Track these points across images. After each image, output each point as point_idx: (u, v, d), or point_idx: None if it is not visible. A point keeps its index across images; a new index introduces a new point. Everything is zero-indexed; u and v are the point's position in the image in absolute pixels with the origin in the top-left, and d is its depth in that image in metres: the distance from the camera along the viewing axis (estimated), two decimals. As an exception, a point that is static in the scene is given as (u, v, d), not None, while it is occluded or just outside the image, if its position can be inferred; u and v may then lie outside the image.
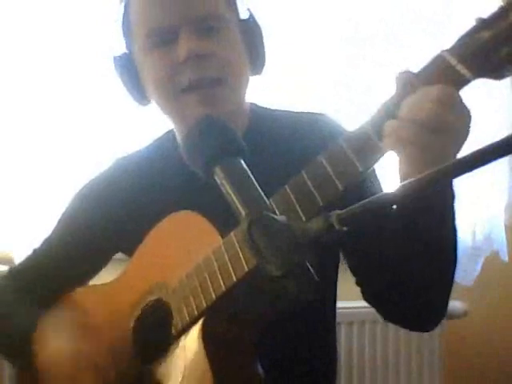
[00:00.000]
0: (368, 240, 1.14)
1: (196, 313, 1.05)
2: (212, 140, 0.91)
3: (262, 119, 1.31)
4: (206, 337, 1.05)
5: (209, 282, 1.02)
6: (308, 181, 0.92)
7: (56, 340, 1.20)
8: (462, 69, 0.81)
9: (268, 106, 1.38)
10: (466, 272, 2.48)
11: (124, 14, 1.27)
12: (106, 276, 1.38)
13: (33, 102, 2.27)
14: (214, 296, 1.02)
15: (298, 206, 0.93)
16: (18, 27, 2.25)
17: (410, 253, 1.07)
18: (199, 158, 0.91)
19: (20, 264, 1.47)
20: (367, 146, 0.86)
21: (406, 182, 0.71)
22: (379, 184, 1.27)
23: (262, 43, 1.27)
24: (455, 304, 2.49)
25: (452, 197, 1.01)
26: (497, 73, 0.81)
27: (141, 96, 1.29)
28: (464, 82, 0.82)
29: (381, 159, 0.88)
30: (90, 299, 1.31)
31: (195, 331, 1.06)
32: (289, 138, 1.25)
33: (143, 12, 1.22)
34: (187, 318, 1.07)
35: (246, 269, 0.96)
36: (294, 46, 2.37)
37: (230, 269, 0.98)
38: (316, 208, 0.91)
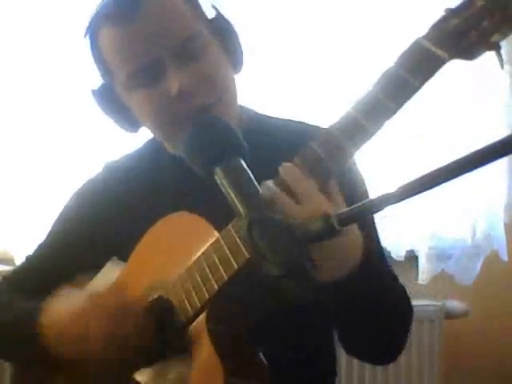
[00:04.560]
0: None
1: (199, 305, 1.06)
2: (212, 140, 0.91)
3: (260, 125, 1.31)
4: (211, 328, 1.05)
5: (210, 274, 1.03)
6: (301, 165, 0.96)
7: (65, 320, 1.15)
8: (437, 50, 0.90)
9: (265, 113, 1.37)
10: (466, 271, 2.48)
11: (93, 49, 1.22)
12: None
13: (32, 104, 2.27)
14: (216, 286, 1.02)
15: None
16: (18, 29, 2.25)
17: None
18: (199, 158, 0.92)
19: (15, 270, 1.47)
20: (355, 129, 0.94)
21: (405, 183, 0.71)
22: (366, 191, 1.30)
23: (237, 38, 1.24)
24: (455, 304, 2.49)
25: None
26: (469, 54, 0.90)
27: (130, 126, 1.28)
28: (440, 62, 0.90)
29: (369, 141, 0.95)
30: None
31: (200, 323, 1.07)
32: (283, 146, 1.24)
33: (120, 52, 1.17)
34: (190, 312, 1.07)
35: (247, 255, 0.96)
36: (295, 54, 2.38)
37: (230, 257, 0.98)
38: None
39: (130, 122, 1.27)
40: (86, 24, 1.22)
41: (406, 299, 1.20)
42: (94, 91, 1.27)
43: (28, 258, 1.44)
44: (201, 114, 1.16)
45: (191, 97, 1.16)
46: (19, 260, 2.16)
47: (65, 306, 1.17)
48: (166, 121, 1.20)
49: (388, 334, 1.15)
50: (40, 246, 1.42)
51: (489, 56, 0.90)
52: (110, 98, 1.25)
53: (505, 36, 0.86)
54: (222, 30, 1.22)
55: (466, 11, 0.88)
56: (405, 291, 1.20)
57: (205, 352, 1.05)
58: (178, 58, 1.15)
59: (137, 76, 1.17)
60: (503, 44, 0.89)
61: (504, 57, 0.89)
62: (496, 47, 0.87)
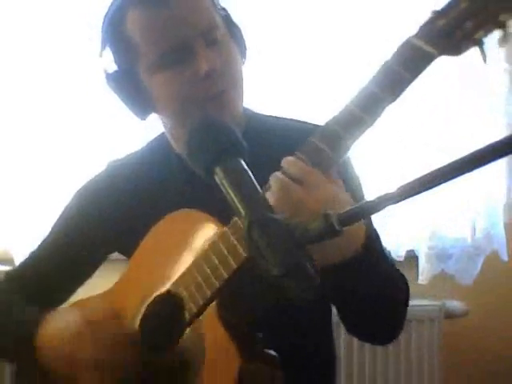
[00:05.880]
0: None
1: (209, 294, 1.07)
2: (212, 140, 0.92)
3: (258, 124, 1.33)
4: (223, 315, 1.08)
5: (218, 264, 1.05)
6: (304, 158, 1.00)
7: (60, 340, 1.21)
8: (428, 48, 0.97)
9: (263, 113, 1.39)
10: (466, 271, 2.48)
11: (117, 32, 1.26)
12: (104, 277, 1.38)
13: (32, 103, 2.27)
14: (225, 275, 1.04)
15: None
16: (18, 29, 2.25)
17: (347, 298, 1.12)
18: (200, 158, 0.93)
19: (16, 268, 1.48)
20: (353, 121, 1.00)
21: (405, 183, 0.71)
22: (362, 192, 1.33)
23: (242, 35, 1.32)
24: (455, 304, 2.49)
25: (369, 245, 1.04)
26: (455, 50, 0.96)
27: (142, 111, 1.30)
28: (430, 58, 0.97)
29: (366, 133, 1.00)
30: (93, 305, 1.32)
31: (211, 313, 1.09)
32: (281, 145, 1.26)
33: (152, 34, 1.23)
34: (200, 301, 1.09)
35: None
36: (297, 54, 2.39)
37: (238, 246, 1.01)
38: None
39: (143, 106, 1.29)
40: (111, 9, 1.27)
41: (404, 283, 1.24)
42: (109, 74, 1.29)
43: (29, 256, 1.45)
44: (217, 98, 1.23)
45: (214, 80, 1.22)
46: (19, 260, 2.17)
47: (60, 327, 1.22)
48: (185, 101, 1.24)
49: (387, 317, 1.18)
50: (42, 244, 1.43)
51: (489, 56, 0.94)
52: (127, 81, 1.28)
53: (488, 33, 0.93)
54: (232, 27, 1.30)
55: (451, 12, 0.95)
56: (403, 276, 1.24)
57: (217, 340, 1.08)
58: (205, 42, 1.23)
59: (167, 56, 1.22)
60: (503, 44, 0.93)
61: (504, 56, 0.92)
62: (479, 43, 0.93)
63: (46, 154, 2.29)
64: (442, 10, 0.96)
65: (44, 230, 1.45)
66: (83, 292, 1.44)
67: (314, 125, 1.31)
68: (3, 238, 2.30)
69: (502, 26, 0.91)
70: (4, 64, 2.26)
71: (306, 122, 1.36)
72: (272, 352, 1.10)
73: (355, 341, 2.42)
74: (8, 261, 2.22)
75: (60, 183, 2.23)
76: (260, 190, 0.88)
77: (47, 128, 2.29)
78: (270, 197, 0.98)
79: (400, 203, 0.76)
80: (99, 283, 1.38)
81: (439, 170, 0.70)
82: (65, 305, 1.40)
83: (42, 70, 2.27)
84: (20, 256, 2.19)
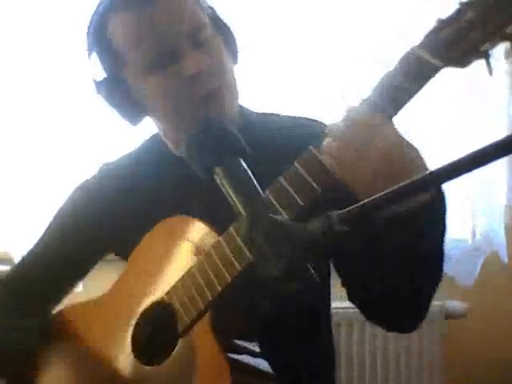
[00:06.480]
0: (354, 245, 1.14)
1: (202, 306, 1.07)
2: (212, 141, 0.92)
3: (255, 122, 1.32)
4: (216, 328, 1.07)
5: (212, 276, 1.05)
6: (300, 169, 1.00)
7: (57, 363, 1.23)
8: (431, 59, 0.93)
9: (260, 111, 1.38)
10: (466, 272, 2.48)
11: (101, 41, 1.24)
12: (102, 277, 1.38)
13: (32, 104, 2.27)
14: (219, 288, 1.04)
15: (293, 192, 0.99)
16: (17, 29, 2.25)
17: (391, 258, 1.09)
18: (200, 157, 0.92)
19: (11, 270, 1.48)
20: None
21: (406, 181, 0.71)
22: None
23: (233, 35, 1.29)
24: (455, 304, 2.49)
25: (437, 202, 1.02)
26: (460, 62, 0.93)
27: (134, 117, 1.29)
28: (434, 70, 0.93)
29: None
30: (88, 313, 1.32)
31: (203, 325, 1.08)
32: (280, 143, 1.26)
33: (136, 36, 1.21)
34: (194, 313, 1.08)
35: (250, 257, 0.97)
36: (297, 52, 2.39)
37: (233, 259, 1.01)
38: (312, 193, 0.99)
39: (134, 112, 1.28)
40: (94, 17, 1.25)
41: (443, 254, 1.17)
42: (98, 82, 1.28)
43: (23, 259, 1.45)
44: (208, 100, 1.21)
45: (203, 80, 1.20)
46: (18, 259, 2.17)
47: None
48: (176, 104, 1.22)
49: (419, 283, 1.14)
50: (35, 246, 1.43)
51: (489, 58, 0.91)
52: (117, 88, 1.26)
53: (495, 45, 0.89)
54: (221, 25, 1.28)
55: (457, 22, 0.91)
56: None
57: (210, 351, 1.07)
58: (192, 43, 1.20)
59: (153, 60, 1.20)
60: (510, 56, 0.90)
61: (504, 56, 0.91)
62: (485, 56, 0.90)
63: (45, 155, 2.29)
64: (448, 19, 0.93)
65: (44, 229, 1.45)
66: (83, 292, 1.44)
67: (311, 120, 1.32)
68: (3, 238, 2.30)
69: (509, 38, 0.88)
70: (3, 65, 2.26)
71: (303, 118, 1.35)
72: (265, 364, 1.09)
73: (355, 341, 2.42)
74: (8, 261, 2.22)
75: (59, 184, 2.23)
76: (261, 190, 0.88)
77: (47, 130, 2.29)
78: (330, 145, 0.98)
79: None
80: (98, 283, 1.38)
81: (439, 170, 0.70)
82: (60, 307, 1.41)
83: (40, 71, 2.27)
84: (20, 256, 2.19)
